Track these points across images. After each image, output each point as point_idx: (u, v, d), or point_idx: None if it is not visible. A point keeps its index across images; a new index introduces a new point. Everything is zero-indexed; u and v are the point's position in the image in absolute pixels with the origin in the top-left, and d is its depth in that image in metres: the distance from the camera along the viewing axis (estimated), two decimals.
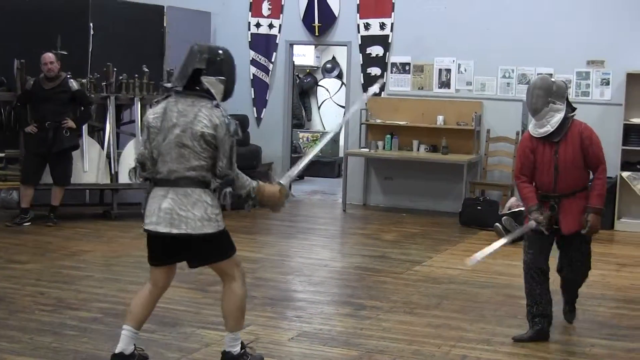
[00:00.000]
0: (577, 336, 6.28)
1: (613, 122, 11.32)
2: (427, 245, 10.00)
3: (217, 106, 4.94)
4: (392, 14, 12.81)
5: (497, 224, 10.23)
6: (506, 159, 12.23)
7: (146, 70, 11.34)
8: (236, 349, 5.18)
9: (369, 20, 12.95)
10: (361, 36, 13.01)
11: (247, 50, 13.43)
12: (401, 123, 12.61)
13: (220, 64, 5.02)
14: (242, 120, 12.70)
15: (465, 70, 12.55)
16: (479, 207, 11.36)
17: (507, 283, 7.99)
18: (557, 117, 6.01)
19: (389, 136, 12.64)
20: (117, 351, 5.09)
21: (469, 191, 12.08)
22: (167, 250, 5.03)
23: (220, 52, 5.08)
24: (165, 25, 12.49)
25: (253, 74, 13.49)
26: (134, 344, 5.13)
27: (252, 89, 13.54)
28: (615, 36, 11.69)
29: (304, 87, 18.39)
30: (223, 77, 5.01)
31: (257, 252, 9.02)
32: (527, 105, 6.22)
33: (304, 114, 18.31)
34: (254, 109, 13.61)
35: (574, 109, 6.19)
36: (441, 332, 6.30)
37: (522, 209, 10.63)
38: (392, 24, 12.83)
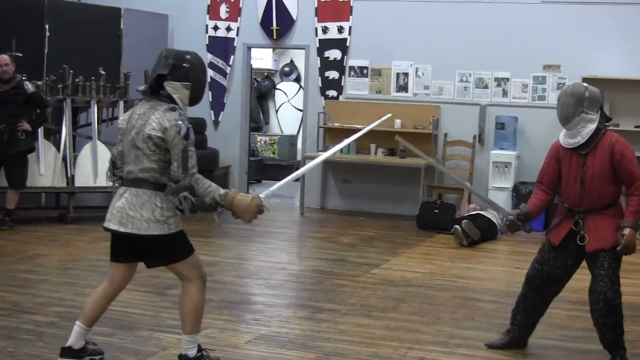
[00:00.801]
0: (532, 337, 6.32)
1: None
2: (384, 248, 10.03)
3: (172, 109, 4.91)
4: (350, 17, 12.86)
5: (456, 226, 10.29)
6: (463, 162, 12.33)
7: (103, 72, 11.25)
8: (192, 352, 5.15)
9: (327, 24, 12.98)
10: (319, 40, 13.03)
11: (204, 53, 13.33)
12: (359, 126, 12.61)
13: (187, 69, 4.99)
14: (199, 124, 12.66)
15: (423, 74, 12.62)
16: (436, 211, 11.41)
17: (464, 286, 8.06)
18: (590, 128, 5.55)
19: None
20: (66, 345, 5.14)
21: (426, 195, 12.15)
22: (125, 248, 5.04)
23: (188, 57, 5.04)
24: (122, 27, 12.40)
25: (211, 77, 13.33)
26: (85, 340, 5.17)
27: (210, 92, 13.45)
28: (571, 41, 11.84)
29: (261, 91, 18.38)
30: (188, 83, 5.00)
31: (214, 255, 8.99)
32: (557, 113, 5.71)
33: (261, 117, 18.30)
34: (212, 112, 13.57)
35: (608, 119, 5.75)
36: (398, 335, 6.32)
37: (480, 212, 10.88)
38: (350, 27, 12.87)
